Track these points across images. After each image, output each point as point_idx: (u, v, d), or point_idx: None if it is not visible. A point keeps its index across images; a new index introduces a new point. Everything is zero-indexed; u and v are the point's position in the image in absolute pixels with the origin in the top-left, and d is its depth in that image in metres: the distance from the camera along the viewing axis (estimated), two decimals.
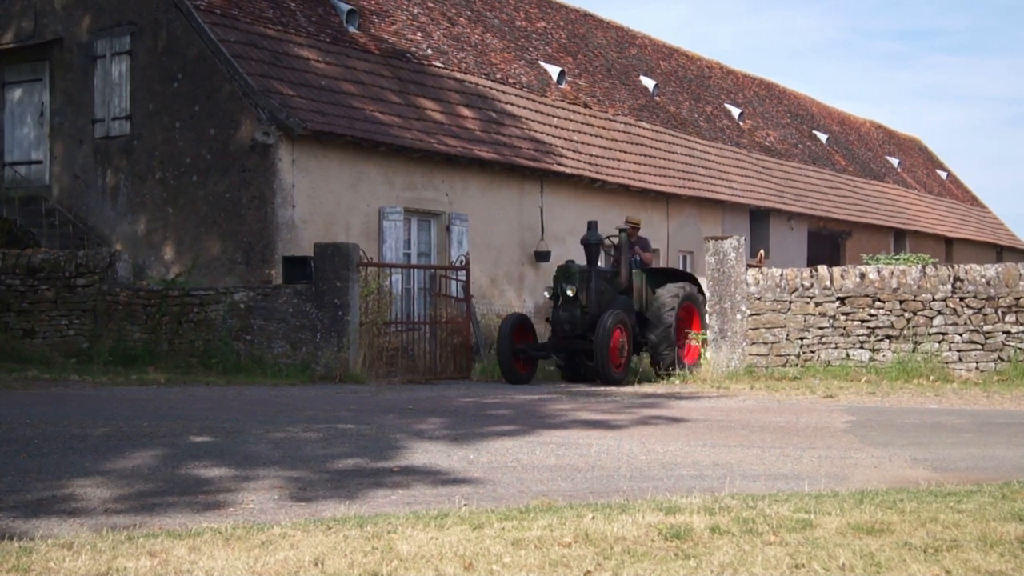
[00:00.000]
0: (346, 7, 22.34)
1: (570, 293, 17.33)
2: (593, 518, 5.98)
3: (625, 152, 27.26)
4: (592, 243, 18.11)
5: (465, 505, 6.49)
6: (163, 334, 17.17)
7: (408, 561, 5.09)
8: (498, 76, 25.11)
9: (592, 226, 18.31)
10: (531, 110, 25.12)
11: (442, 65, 23.61)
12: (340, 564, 5.04)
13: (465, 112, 23.00)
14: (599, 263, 18.15)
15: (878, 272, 16.55)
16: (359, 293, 16.53)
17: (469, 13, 26.68)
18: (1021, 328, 15.91)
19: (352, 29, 22.16)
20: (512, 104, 24.66)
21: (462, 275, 18.82)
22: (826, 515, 6.08)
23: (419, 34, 23.97)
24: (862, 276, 16.56)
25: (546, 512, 6.23)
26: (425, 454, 8.57)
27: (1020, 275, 16.09)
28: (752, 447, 9.32)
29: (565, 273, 17.68)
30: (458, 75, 23.78)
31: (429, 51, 23.66)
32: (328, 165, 19.28)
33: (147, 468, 7.74)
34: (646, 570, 4.96)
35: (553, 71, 27.40)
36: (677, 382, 16.51)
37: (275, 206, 18.45)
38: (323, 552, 5.23)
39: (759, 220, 31.79)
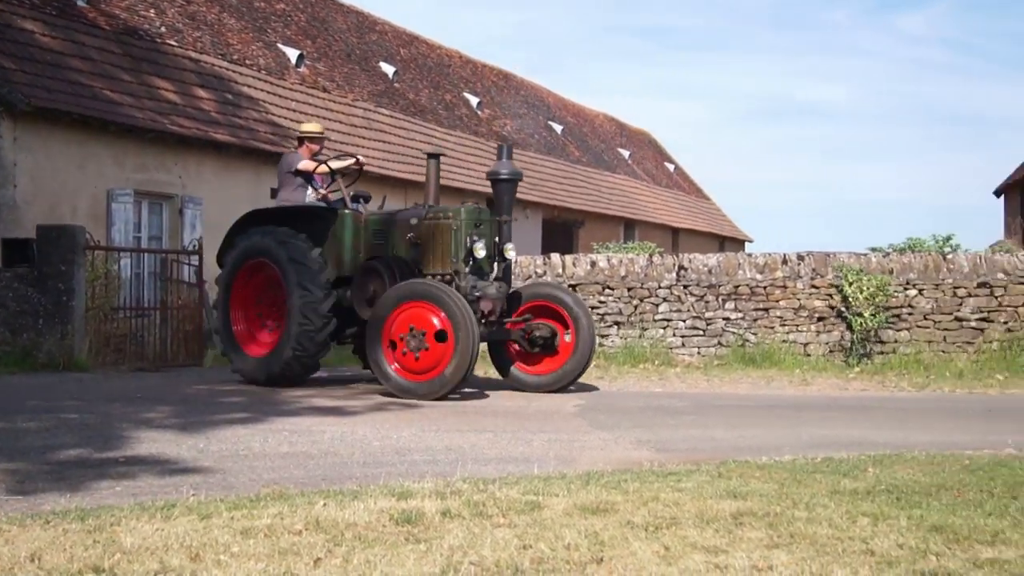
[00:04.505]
0: None
1: (511, 255, 12.62)
2: (324, 505, 5.96)
3: (364, 138, 27.18)
4: (508, 179, 12.50)
5: (193, 495, 6.35)
6: None
7: (132, 554, 4.94)
8: (235, 57, 24.58)
9: (506, 151, 12.69)
10: (269, 93, 24.71)
11: (177, 44, 22.92)
12: (59, 559, 4.85)
13: (201, 93, 22.42)
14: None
15: (608, 260, 17.08)
16: (85, 278, 15.92)
17: None
18: (739, 315, 16.74)
19: (81, 3, 21.22)
20: (250, 87, 24.19)
21: (195, 260, 18.34)
22: (554, 496, 6.26)
23: (152, 11, 23.18)
24: (593, 264, 17.06)
25: (277, 500, 6.17)
26: (153, 443, 8.34)
27: (739, 264, 16.92)
28: (485, 431, 9.49)
29: (476, 221, 12.42)
30: (194, 55, 23.14)
31: (163, 29, 22.93)
32: (53, 144, 18.44)
33: None
34: (377, 555, 4.98)
35: (292, 54, 27.03)
36: None
37: None
38: (40, 547, 5.02)
39: None
